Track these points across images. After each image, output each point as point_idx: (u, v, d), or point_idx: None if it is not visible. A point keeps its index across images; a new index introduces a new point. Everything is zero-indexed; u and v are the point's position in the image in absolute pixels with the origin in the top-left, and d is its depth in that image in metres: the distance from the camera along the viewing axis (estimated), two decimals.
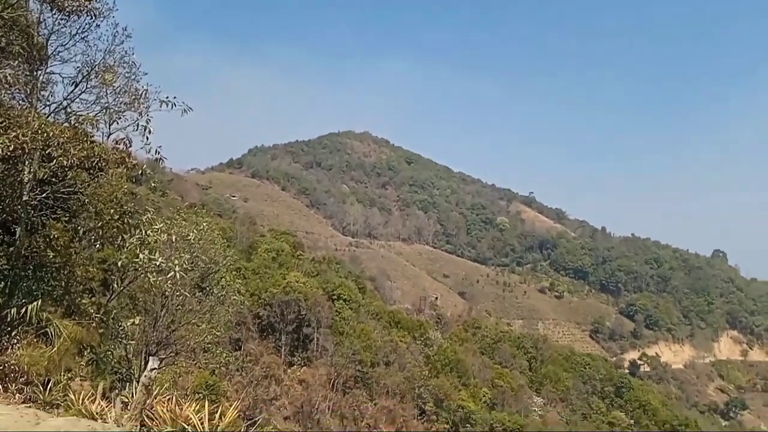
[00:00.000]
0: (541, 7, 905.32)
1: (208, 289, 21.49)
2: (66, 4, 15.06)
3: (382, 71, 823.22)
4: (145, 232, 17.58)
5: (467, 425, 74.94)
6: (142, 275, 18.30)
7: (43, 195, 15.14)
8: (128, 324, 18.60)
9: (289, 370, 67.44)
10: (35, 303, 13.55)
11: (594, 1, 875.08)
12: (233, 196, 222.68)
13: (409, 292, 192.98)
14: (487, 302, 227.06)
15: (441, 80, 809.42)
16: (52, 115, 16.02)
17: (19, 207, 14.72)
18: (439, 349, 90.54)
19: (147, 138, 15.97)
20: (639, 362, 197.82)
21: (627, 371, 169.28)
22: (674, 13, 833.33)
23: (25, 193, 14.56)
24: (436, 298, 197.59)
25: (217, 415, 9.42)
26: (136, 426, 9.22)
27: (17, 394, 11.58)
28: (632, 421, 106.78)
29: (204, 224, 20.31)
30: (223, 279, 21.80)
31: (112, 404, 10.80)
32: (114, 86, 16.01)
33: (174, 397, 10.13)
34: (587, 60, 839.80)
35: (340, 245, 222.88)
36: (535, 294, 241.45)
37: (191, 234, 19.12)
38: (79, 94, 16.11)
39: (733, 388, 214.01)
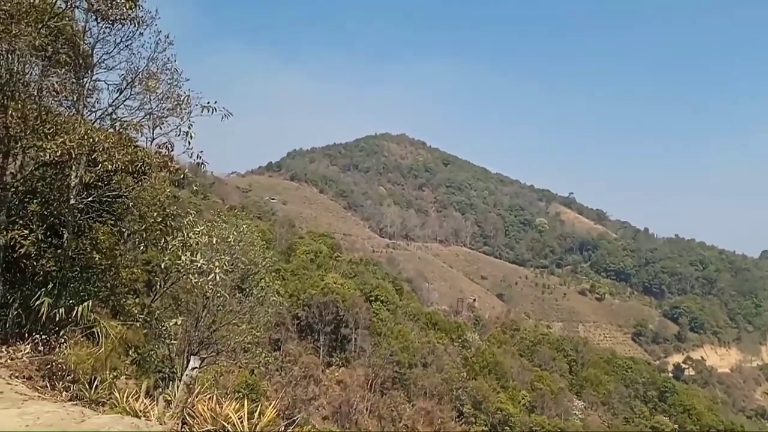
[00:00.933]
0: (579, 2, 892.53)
1: (248, 290, 21.79)
2: (110, 13, 15.45)
3: (419, 73, 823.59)
4: (187, 235, 17.91)
5: (506, 428, 74.21)
6: (184, 276, 18.64)
7: (90, 199, 15.54)
8: (171, 324, 18.93)
9: (327, 371, 67.87)
10: (85, 304, 13.93)
11: None
12: (272, 199, 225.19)
13: (447, 294, 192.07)
14: (525, 304, 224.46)
15: (478, 81, 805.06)
16: (98, 121, 16.43)
17: (67, 210, 15.15)
18: (477, 351, 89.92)
19: (189, 143, 16.25)
20: (683, 366, 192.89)
21: (671, 375, 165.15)
22: None
23: (72, 196, 14.98)
24: (474, 299, 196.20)
25: (257, 414, 9.55)
26: (178, 424, 9.40)
27: (64, 392, 11.89)
28: (676, 426, 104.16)
29: (244, 226, 20.59)
30: (262, 280, 22.07)
31: (155, 402, 11.04)
32: (157, 92, 16.33)
33: (215, 396, 10.28)
34: (628, 54, 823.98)
35: (377, 247, 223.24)
36: (575, 296, 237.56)
37: (231, 236, 19.42)
38: (124, 101, 16.50)
39: None
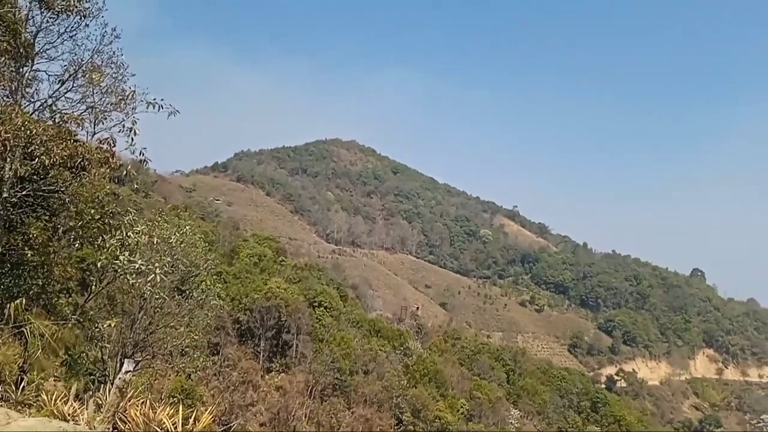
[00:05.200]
0: (535, 13, 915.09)
1: (187, 292, 21.32)
2: (55, 3, 15.03)
3: (372, 81, 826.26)
4: (126, 234, 17.42)
5: None
6: (121, 277, 18.11)
7: (24, 192, 15.02)
8: (105, 325, 18.36)
9: (266, 376, 66.99)
10: (17, 302, 13.42)
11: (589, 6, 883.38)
12: (217, 200, 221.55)
13: (391, 302, 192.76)
14: (467, 314, 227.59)
15: (430, 91, 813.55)
16: (37, 112, 15.93)
17: None
18: (418, 359, 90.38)
19: (132, 139, 15.90)
20: (616, 378, 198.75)
21: (604, 386, 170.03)
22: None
23: (4, 190, 14.45)
24: (418, 308, 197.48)
25: (192, 420, 9.39)
26: (109, 429, 9.15)
27: None
28: None
29: (186, 227, 20.14)
30: (203, 283, 21.63)
31: (85, 406, 10.71)
32: (101, 86, 15.96)
33: (148, 401, 10.06)
34: (577, 66, 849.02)
35: (323, 252, 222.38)
36: (515, 307, 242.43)
37: (173, 237, 18.96)
38: (65, 93, 16.06)
39: (708, 406, 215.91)
